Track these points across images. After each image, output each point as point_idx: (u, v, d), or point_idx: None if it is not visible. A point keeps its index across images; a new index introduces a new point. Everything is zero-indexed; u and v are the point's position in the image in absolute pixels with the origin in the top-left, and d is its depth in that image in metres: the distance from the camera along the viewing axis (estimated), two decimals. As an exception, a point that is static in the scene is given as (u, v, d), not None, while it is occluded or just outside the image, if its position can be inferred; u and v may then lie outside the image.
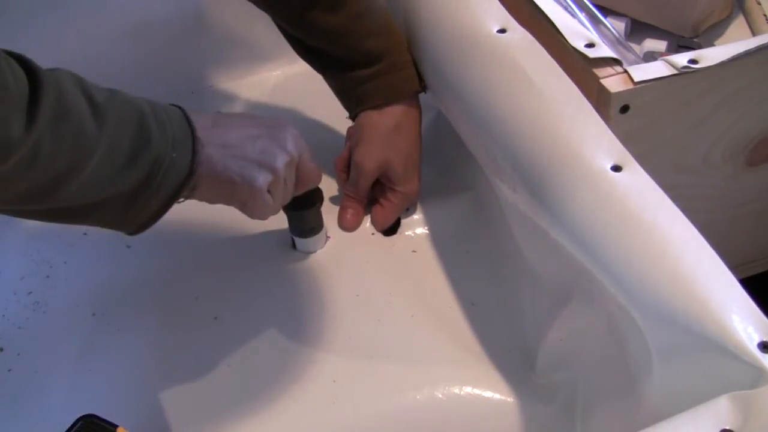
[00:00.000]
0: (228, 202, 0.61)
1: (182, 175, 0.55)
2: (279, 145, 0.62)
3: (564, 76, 0.62)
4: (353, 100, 0.78)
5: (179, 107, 0.57)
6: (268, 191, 0.62)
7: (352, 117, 0.79)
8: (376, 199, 0.81)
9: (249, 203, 0.61)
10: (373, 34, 0.74)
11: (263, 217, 0.64)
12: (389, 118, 0.77)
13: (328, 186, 0.81)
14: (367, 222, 0.82)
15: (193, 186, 0.57)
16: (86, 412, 0.63)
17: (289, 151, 0.63)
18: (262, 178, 0.60)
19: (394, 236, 0.81)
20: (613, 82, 0.66)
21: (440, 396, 0.67)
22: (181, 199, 0.57)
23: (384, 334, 0.72)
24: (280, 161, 0.62)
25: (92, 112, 0.49)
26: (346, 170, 0.81)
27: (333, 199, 0.83)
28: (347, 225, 0.81)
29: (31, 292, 0.78)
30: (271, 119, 0.65)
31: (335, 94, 0.80)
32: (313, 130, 0.91)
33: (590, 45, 0.68)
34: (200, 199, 0.59)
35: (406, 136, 0.78)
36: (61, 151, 0.47)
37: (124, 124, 0.51)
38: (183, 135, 0.55)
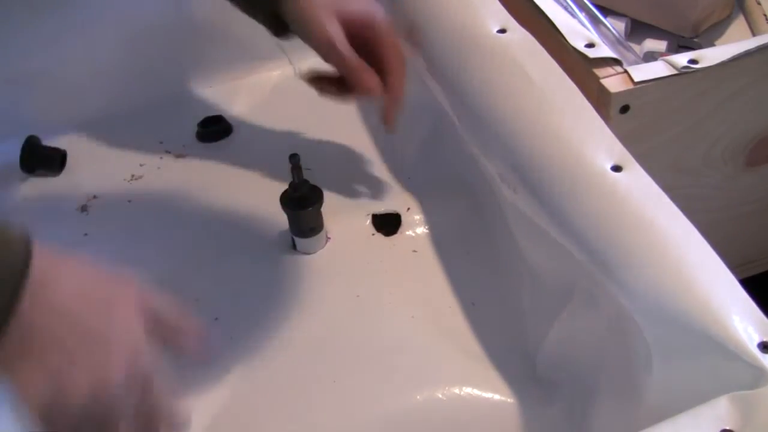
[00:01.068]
0: None
1: None
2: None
3: (564, 76, 0.62)
4: None
5: (30, 241, 0.48)
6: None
7: (275, 14, 0.70)
8: (376, 60, 0.71)
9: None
10: None
11: None
12: None
13: (329, 186, 0.81)
14: (367, 221, 0.82)
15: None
16: (86, 413, 0.63)
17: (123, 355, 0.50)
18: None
19: (394, 236, 0.81)
20: (613, 82, 0.66)
21: (440, 396, 0.67)
22: None
23: (384, 334, 0.72)
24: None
25: None
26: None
27: (333, 200, 0.83)
28: (372, 85, 0.70)
29: (31, 293, 0.78)
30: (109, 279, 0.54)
31: (258, 15, 0.73)
32: (313, 130, 0.91)
33: (590, 45, 0.68)
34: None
35: None
36: None
37: None
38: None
